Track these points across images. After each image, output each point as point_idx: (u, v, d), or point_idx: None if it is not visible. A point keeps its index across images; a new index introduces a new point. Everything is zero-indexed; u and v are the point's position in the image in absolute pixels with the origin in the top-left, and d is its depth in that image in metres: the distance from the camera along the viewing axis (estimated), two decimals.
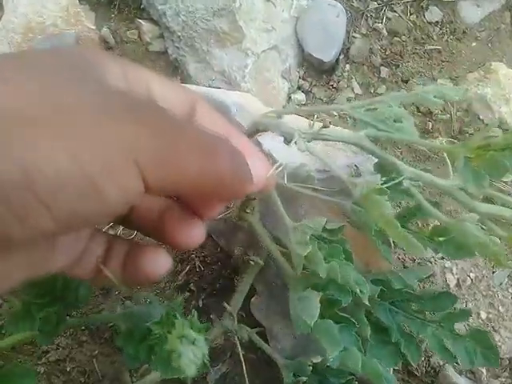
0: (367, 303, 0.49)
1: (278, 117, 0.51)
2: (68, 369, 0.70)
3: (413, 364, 0.61)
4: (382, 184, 0.45)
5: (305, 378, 0.60)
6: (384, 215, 0.41)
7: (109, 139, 0.22)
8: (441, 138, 0.85)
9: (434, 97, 0.47)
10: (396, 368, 0.77)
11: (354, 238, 0.61)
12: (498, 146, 0.39)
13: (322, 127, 0.46)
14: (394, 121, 0.45)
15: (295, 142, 0.46)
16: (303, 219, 0.67)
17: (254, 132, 0.53)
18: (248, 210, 0.61)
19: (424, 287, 0.77)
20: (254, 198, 0.60)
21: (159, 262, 0.32)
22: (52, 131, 0.21)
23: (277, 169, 0.37)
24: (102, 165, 0.22)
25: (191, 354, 0.43)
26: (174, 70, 0.86)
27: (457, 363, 0.56)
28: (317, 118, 0.65)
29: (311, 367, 0.60)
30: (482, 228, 0.44)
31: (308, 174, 0.63)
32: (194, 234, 0.32)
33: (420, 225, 0.72)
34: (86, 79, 0.25)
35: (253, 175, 0.29)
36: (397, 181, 0.45)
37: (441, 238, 0.56)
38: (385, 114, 0.46)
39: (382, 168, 0.56)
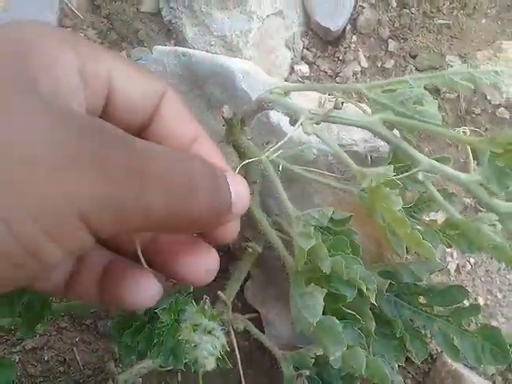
0: (374, 302, 0.44)
1: (286, 93, 0.46)
2: (46, 357, 0.64)
3: (416, 361, 0.58)
4: (394, 175, 0.40)
5: (307, 371, 0.56)
6: (392, 211, 0.37)
7: (47, 193, 0.19)
8: (446, 117, 0.81)
9: (463, 79, 0.42)
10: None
11: (365, 223, 0.56)
12: None
13: (334, 108, 0.42)
14: (415, 103, 0.41)
15: (301, 124, 0.42)
16: (313, 198, 0.63)
17: (258, 109, 0.48)
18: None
19: (430, 276, 0.75)
20: (256, 181, 0.55)
21: (141, 290, 0.28)
22: None
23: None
24: (40, 226, 0.19)
25: (210, 346, 0.37)
26: (168, 33, 0.78)
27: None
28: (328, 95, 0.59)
29: (313, 359, 0.56)
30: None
31: (316, 157, 0.58)
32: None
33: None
34: (28, 100, 0.20)
35: (233, 201, 0.27)
36: (411, 172, 0.41)
37: (453, 232, 0.52)
38: (405, 95, 0.41)
39: (397, 155, 0.52)
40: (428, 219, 0.53)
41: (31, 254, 0.19)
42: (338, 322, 0.43)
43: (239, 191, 0.27)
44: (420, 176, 0.42)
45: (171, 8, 0.74)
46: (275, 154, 0.48)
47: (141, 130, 0.28)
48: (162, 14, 0.77)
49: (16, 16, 0.71)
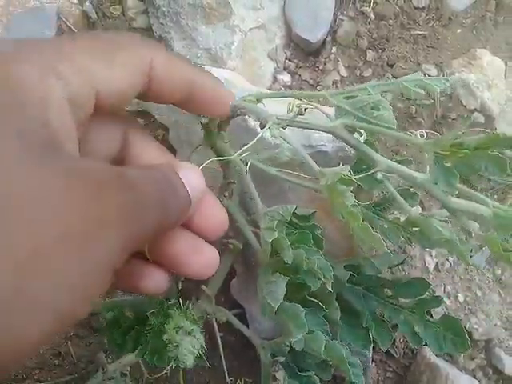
0: (330, 289, 0.48)
1: (258, 101, 0.50)
2: (41, 350, 0.68)
3: (383, 349, 0.61)
4: (355, 174, 0.45)
5: (282, 358, 0.59)
6: (345, 206, 0.41)
7: (84, 263, 0.21)
8: (423, 123, 0.85)
9: (415, 86, 0.46)
10: (377, 350, 0.78)
11: (338, 220, 0.60)
12: (470, 146, 0.39)
13: (298, 114, 0.46)
14: (372, 108, 0.44)
15: (269, 128, 0.46)
16: (289, 197, 0.67)
17: (233, 115, 0.52)
18: (226, 194, 0.60)
19: (404, 270, 0.78)
20: (234, 182, 0.59)
21: (154, 281, 0.33)
22: None
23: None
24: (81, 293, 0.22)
25: (190, 345, 0.43)
26: None
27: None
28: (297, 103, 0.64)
29: (288, 347, 0.59)
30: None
31: (290, 159, 0.62)
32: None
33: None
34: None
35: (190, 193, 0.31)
36: (370, 172, 0.45)
37: (415, 228, 0.56)
38: (364, 101, 0.45)
39: (360, 158, 0.56)
40: (392, 217, 0.57)
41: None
42: (301, 308, 0.47)
43: (191, 182, 0.31)
44: (379, 176, 0.46)
45: (161, 24, 0.79)
46: (245, 154, 0.52)
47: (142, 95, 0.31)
48: (152, 30, 0.82)
49: (16, 34, 0.77)
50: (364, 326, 0.56)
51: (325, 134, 0.61)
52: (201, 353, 0.43)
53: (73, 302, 0.21)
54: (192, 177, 0.32)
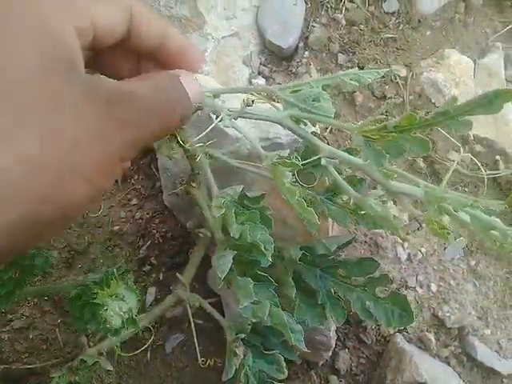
0: (270, 260, 0.52)
1: (214, 96, 0.55)
2: (31, 336, 0.73)
3: (337, 324, 0.65)
4: (301, 160, 0.49)
5: (243, 335, 0.63)
6: (285, 184, 0.45)
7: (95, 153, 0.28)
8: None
9: (351, 79, 0.51)
10: (350, 337, 0.81)
11: None
12: (398, 128, 0.43)
13: (246, 105, 0.50)
14: (313, 100, 0.48)
15: (221, 119, 0.50)
16: (252, 187, 0.72)
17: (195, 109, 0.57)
18: (194, 184, 0.65)
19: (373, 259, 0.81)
20: (199, 173, 0.64)
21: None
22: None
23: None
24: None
25: (117, 307, 0.47)
26: None
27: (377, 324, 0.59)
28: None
29: (250, 326, 0.63)
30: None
31: (249, 152, 0.67)
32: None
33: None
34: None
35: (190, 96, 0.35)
36: (313, 158, 0.49)
37: (361, 212, 0.60)
38: (306, 94, 0.49)
39: (307, 146, 0.60)
40: (342, 201, 0.61)
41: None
42: (251, 281, 0.52)
43: (190, 88, 0.36)
44: (323, 161, 0.50)
45: None
46: (208, 149, 0.58)
47: (124, 41, 0.35)
48: None
49: None
50: (319, 303, 0.60)
51: (281, 129, 0.66)
52: (134, 317, 0.46)
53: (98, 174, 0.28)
54: (193, 84, 0.36)
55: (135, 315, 0.47)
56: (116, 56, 0.38)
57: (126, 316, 0.46)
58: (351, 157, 0.48)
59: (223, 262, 0.50)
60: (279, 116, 0.50)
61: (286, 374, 0.57)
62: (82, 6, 0.31)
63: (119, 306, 0.46)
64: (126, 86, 0.31)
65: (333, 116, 0.50)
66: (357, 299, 0.60)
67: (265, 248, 0.50)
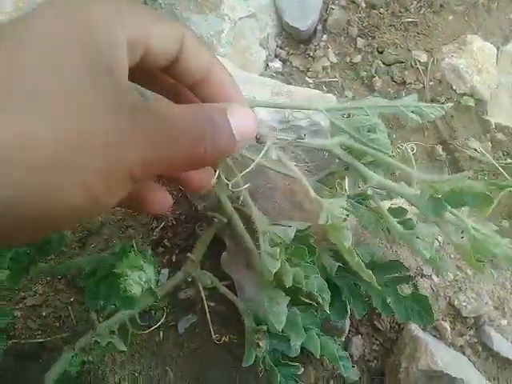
0: (327, 311, 0.53)
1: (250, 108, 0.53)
2: (44, 313, 0.73)
3: (358, 317, 0.64)
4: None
5: (265, 327, 0.62)
6: (343, 245, 0.45)
7: (111, 161, 0.26)
8: None
9: (412, 112, 0.47)
10: (363, 324, 0.80)
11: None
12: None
13: (298, 139, 0.44)
14: (369, 131, 0.46)
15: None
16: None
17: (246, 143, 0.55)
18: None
19: (400, 263, 0.80)
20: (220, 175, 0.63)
21: (160, 199, 0.36)
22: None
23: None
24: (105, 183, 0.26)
25: (137, 276, 0.47)
26: None
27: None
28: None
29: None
30: None
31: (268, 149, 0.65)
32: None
33: None
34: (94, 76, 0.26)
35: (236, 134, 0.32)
36: (364, 188, 0.48)
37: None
38: (360, 122, 0.46)
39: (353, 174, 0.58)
40: (373, 206, 0.59)
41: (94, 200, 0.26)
42: (298, 312, 0.53)
43: (239, 125, 0.32)
44: (369, 191, 0.49)
45: None
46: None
47: (169, 67, 0.34)
48: None
49: None
50: (343, 299, 0.60)
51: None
52: (152, 288, 0.46)
53: (101, 184, 0.26)
54: (243, 119, 0.33)
55: (154, 286, 0.47)
56: (152, 80, 0.36)
57: (146, 286, 0.46)
58: (404, 189, 0.46)
59: (278, 311, 0.50)
60: (329, 144, 0.46)
61: (299, 351, 0.56)
62: (145, 23, 0.30)
63: (139, 275, 0.46)
64: (163, 104, 0.30)
65: (390, 152, 0.47)
66: (378, 295, 0.59)
67: (322, 298, 0.49)
